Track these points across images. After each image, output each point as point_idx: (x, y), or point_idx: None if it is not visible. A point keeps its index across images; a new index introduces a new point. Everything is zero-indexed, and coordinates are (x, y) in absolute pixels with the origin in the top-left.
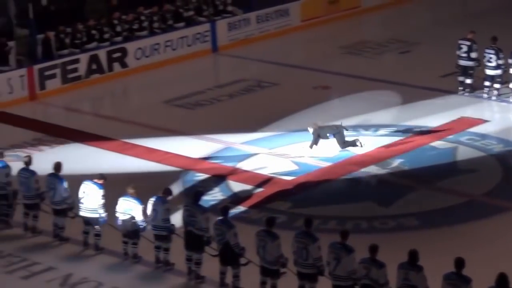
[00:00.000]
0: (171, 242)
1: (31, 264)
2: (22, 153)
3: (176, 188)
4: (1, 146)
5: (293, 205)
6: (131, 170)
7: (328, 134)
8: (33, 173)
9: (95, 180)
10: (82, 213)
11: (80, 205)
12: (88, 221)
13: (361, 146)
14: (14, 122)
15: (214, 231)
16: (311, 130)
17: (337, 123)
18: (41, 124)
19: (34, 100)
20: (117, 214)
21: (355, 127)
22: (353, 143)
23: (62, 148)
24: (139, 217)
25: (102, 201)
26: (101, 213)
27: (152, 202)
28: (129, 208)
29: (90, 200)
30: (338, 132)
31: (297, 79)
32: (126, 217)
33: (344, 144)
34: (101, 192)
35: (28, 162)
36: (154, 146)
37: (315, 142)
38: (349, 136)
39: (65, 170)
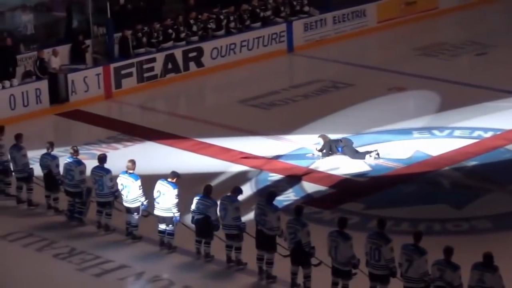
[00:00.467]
0: (242, 241)
1: (103, 262)
2: (97, 151)
3: (249, 188)
4: (76, 143)
5: (366, 206)
6: (205, 170)
7: (337, 147)
8: (107, 171)
9: (169, 179)
10: (156, 212)
11: (156, 204)
12: (162, 220)
13: (377, 157)
14: (89, 120)
15: (287, 230)
16: (321, 141)
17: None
18: (116, 122)
19: (109, 99)
20: (191, 214)
21: (429, 129)
22: (364, 155)
23: (137, 146)
24: (214, 216)
25: (176, 200)
26: (175, 212)
27: (219, 201)
28: (204, 208)
29: (165, 200)
30: (345, 145)
31: (372, 80)
32: (200, 216)
33: (355, 154)
34: (175, 191)
35: (103, 160)
36: (229, 146)
37: (327, 154)
38: (365, 146)
39: (139, 168)
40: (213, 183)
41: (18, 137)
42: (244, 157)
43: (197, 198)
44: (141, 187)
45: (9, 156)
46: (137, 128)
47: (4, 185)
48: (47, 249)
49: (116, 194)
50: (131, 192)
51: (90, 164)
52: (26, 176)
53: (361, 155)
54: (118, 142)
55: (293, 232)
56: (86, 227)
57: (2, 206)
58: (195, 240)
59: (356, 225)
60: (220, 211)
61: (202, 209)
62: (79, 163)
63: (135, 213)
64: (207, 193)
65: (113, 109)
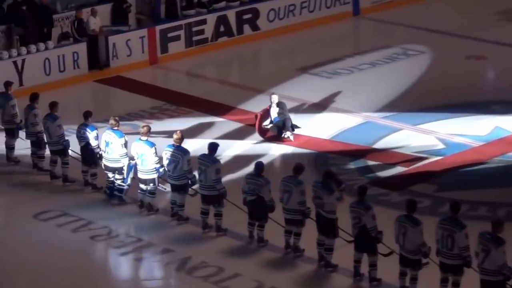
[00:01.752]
0: (304, 226)
1: (145, 246)
2: (139, 122)
3: (308, 168)
4: (117, 113)
5: (439, 188)
6: (256, 146)
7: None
8: (151, 144)
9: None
10: (201, 191)
11: (199, 182)
12: (206, 200)
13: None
14: (132, 88)
15: (350, 214)
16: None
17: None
18: (161, 90)
19: (154, 64)
20: (243, 194)
21: (510, 104)
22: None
23: (183, 118)
24: (267, 196)
25: (218, 176)
26: (220, 188)
27: (280, 182)
28: (256, 188)
29: (207, 177)
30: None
31: (448, 48)
32: (253, 197)
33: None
34: (216, 166)
35: (146, 133)
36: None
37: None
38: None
39: (187, 142)
40: (266, 161)
41: (53, 105)
42: (302, 133)
43: (248, 177)
44: (190, 162)
45: (42, 127)
46: (184, 97)
47: (37, 159)
48: (84, 230)
49: (160, 170)
50: (178, 168)
51: (131, 137)
52: (61, 149)
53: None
54: (162, 113)
55: (357, 217)
56: (127, 207)
57: (35, 181)
58: (247, 222)
59: (427, 208)
60: (282, 193)
61: (254, 189)
62: (120, 135)
63: (182, 192)
64: (259, 171)
65: (158, 76)
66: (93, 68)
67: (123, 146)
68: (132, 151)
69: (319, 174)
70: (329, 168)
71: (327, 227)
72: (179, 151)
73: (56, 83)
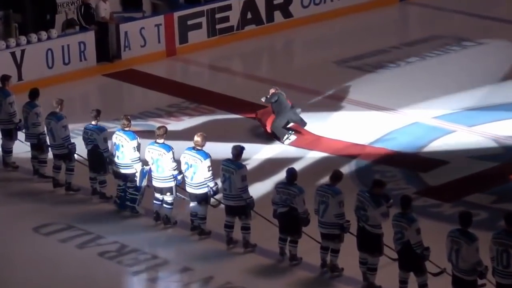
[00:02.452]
0: (342, 242)
1: (161, 264)
2: (155, 122)
3: (349, 176)
4: (129, 112)
5: (497, 198)
6: (289, 151)
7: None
8: (168, 148)
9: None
10: (225, 201)
11: (223, 191)
12: (231, 211)
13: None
14: (146, 83)
15: (393, 228)
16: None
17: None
18: (180, 86)
19: (172, 56)
20: (273, 206)
21: None
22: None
23: (206, 117)
24: (301, 208)
25: (244, 183)
26: (246, 198)
27: (315, 192)
28: (288, 198)
29: (232, 185)
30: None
31: (508, 37)
32: (285, 209)
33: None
34: (241, 172)
35: (162, 134)
36: (320, 119)
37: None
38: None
39: (208, 146)
40: (299, 167)
41: (58, 104)
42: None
43: (279, 186)
44: (210, 168)
45: (45, 128)
46: (206, 94)
47: (38, 164)
48: (91, 245)
49: (178, 178)
50: (197, 174)
51: (146, 140)
52: (66, 153)
53: (281, 132)
54: (181, 112)
55: (400, 231)
56: (141, 219)
57: (36, 190)
58: (278, 237)
59: (483, 222)
60: (318, 204)
61: (286, 200)
62: (132, 136)
63: (203, 202)
64: (291, 179)
65: (176, 69)
66: (102, 61)
67: (136, 149)
68: (147, 156)
69: (359, 184)
70: (378, 177)
71: (371, 243)
72: (199, 156)
73: (60, 77)
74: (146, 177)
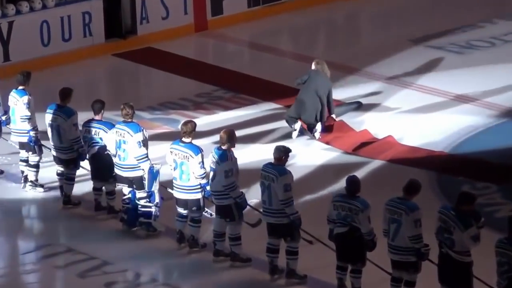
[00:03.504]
0: (419, 272)
1: None
2: (179, 116)
3: (429, 188)
4: (147, 102)
5: None
6: (352, 158)
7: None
8: (196, 150)
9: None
10: (265, 218)
11: (262, 205)
12: (274, 231)
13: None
14: (169, 65)
15: (497, 257)
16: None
17: None
18: (211, 70)
19: (202, 31)
20: (329, 225)
21: None
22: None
23: (244, 110)
24: (365, 227)
25: (288, 195)
26: (291, 214)
27: (385, 208)
28: (348, 215)
29: (273, 196)
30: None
31: None
32: (344, 228)
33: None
34: (284, 180)
35: (190, 132)
36: (389, 116)
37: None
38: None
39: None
40: (362, 174)
41: (65, 94)
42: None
43: (337, 199)
44: (232, 174)
45: (48, 126)
46: (245, 80)
47: (30, 168)
48: (96, 273)
49: (207, 188)
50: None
51: (167, 139)
52: (73, 158)
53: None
54: (214, 103)
55: (506, 262)
56: (159, 240)
57: (26, 200)
58: (336, 265)
59: None
60: (388, 223)
61: (346, 217)
62: (136, 128)
63: (232, 216)
64: (353, 190)
65: (207, 48)
66: (112, 37)
67: (142, 144)
68: (168, 158)
69: (441, 197)
70: (467, 190)
71: (457, 275)
72: (218, 157)
73: (58, 57)
74: (158, 178)
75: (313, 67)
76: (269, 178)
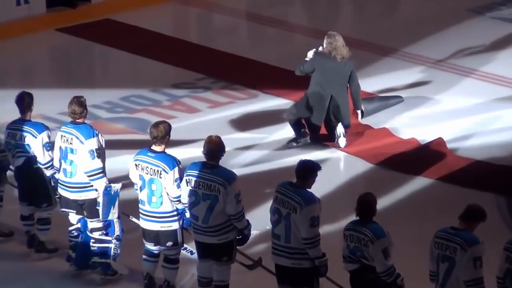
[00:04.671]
0: None
1: None
2: (149, 115)
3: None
4: (105, 96)
5: None
6: (377, 172)
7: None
8: (172, 163)
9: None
10: (276, 259)
11: (273, 240)
12: (285, 277)
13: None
14: (136, 44)
15: None
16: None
17: None
18: (196, 51)
19: None
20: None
21: None
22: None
23: (241, 107)
24: (381, 265)
25: (314, 231)
26: (316, 257)
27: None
28: (359, 248)
29: (293, 231)
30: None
31: None
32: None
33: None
34: (311, 211)
35: (162, 138)
36: (435, 116)
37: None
38: None
39: (242, 155)
40: (399, 196)
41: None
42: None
43: (348, 227)
44: (240, 198)
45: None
46: (242, 64)
47: None
48: None
49: (186, 215)
50: (215, 211)
51: (132, 146)
52: None
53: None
54: (198, 97)
55: None
56: (120, 287)
57: None
58: None
59: None
60: (436, 262)
61: (355, 250)
62: (89, 133)
63: (225, 258)
64: (365, 213)
65: (190, 21)
66: (56, 5)
67: (96, 154)
68: (132, 174)
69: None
70: None
71: None
72: (217, 178)
73: None
74: (117, 202)
75: (321, 48)
76: (290, 206)
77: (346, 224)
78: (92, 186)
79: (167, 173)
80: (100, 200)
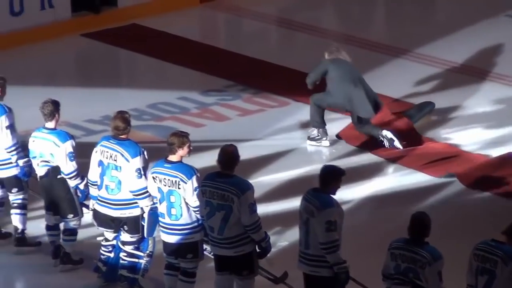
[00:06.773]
0: None
1: None
2: (177, 122)
3: None
4: (129, 104)
5: None
6: (417, 179)
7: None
8: (189, 173)
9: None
10: (301, 266)
11: (300, 248)
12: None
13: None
14: (162, 50)
15: None
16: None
17: None
18: (224, 57)
19: (208, 2)
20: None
21: None
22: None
23: (271, 114)
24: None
25: (333, 237)
26: (336, 263)
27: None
28: (410, 268)
29: (311, 237)
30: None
31: None
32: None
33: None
34: (327, 215)
35: (180, 146)
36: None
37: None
38: None
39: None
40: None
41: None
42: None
43: (396, 245)
44: (255, 208)
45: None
46: (272, 71)
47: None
48: None
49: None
50: (230, 222)
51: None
52: (11, 177)
53: (371, 128)
54: (226, 104)
55: None
56: None
57: None
58: None
59: None
60: (474, 275)
61: (407, 271)
62: (135, 151)
63: (246, 272)
64: (420, 233)
65: (218, 26)
66: (82, 10)
67: (142, 173)
68: (151, 189)
69: None
70: None
71: None
72: (230, 187)
73: (8, 38)
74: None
75: (328, 56)
76: (308, 210)
77: (392, 242)
78: (136, 203)
79: (186, 183)
80: (145, 217)
